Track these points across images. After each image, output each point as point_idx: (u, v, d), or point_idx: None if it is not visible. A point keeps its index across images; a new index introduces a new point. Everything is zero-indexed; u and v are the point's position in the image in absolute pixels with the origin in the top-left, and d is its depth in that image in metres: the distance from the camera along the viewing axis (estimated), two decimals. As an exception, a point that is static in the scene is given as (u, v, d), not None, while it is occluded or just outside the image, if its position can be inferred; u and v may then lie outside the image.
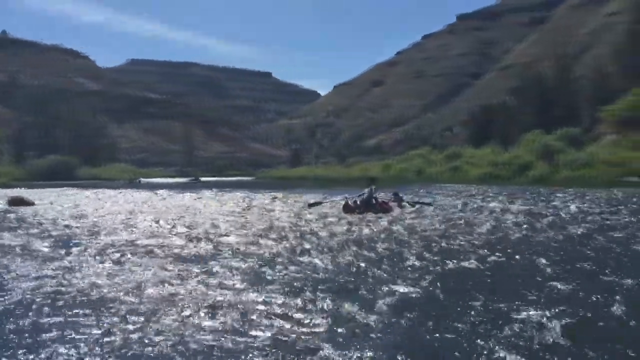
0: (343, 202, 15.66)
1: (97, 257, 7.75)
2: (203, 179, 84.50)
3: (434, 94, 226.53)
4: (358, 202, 15.22)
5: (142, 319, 4.76)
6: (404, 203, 16.80)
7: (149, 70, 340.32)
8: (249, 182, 65.62)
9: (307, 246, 8.59)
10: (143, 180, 74.28)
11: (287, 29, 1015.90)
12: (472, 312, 4.96)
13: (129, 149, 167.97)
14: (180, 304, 5.21)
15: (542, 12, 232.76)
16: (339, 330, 4.48)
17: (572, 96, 66.54)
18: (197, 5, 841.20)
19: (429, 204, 17.42)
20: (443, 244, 8.95)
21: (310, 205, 16.47)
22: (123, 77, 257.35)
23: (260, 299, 5.36)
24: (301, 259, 7.53)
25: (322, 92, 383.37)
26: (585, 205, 17.58)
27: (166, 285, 5.96)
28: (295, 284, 6.04)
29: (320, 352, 3.99)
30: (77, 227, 11.93)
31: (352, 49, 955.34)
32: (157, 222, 13.06)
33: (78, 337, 4.32)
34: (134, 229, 11.52)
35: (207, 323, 4.65)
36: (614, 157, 38.88)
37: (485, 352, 3.98)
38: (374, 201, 15.09)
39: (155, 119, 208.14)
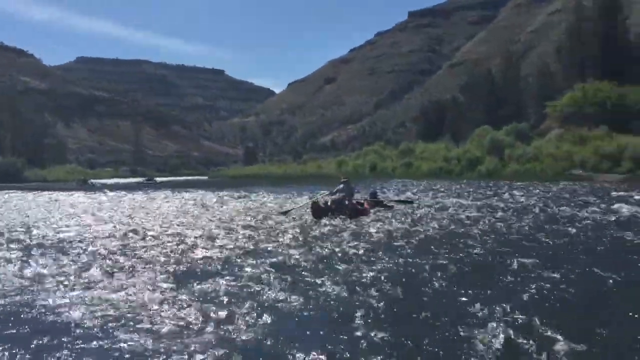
0: (311, 202, 13.54)
1: (66, 271, 7.59)
2: (157, 179, 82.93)
3: (386, 91, 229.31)
4: (329, 203, 13.40)
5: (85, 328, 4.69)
6: (384, 203, 15.10)
7: (97, 68, 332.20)
8: (204, 182, 64.84)
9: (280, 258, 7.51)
10: (94, 181, 72.40)
11: (241, 26, 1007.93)
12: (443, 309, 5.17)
13: (77, 149, 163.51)
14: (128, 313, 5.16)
15: (491, 10, 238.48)
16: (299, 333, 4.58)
17: (519, 93, 68.57)
18: (147, 2, 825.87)
19: (410, 202, 15.92)
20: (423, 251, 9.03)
21: (282, 214, 13.91)
22: (71, 75, 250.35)
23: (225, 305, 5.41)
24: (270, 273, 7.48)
25: (277, 90, 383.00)
26: (534, 198, 18.28)
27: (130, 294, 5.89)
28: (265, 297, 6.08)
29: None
30: (31, 236, 11.55)
31: (306, 46, 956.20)
32: (133, 230, 12.80)
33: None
34: (88, 239, 11.30)
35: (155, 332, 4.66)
36: (559, 151, 40.30)
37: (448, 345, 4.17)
38: (346, 202, 13.27)
39: (105, 117, 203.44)
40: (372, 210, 13.65)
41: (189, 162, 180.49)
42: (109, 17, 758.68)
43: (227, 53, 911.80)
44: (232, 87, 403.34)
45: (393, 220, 11.96)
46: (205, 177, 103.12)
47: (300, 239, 9.51)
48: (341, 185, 14.02)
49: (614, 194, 19.19)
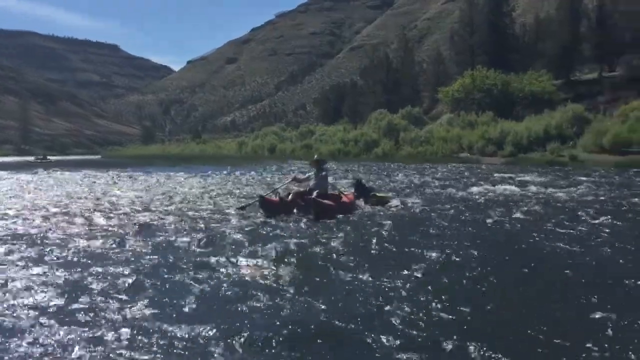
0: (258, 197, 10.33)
1: None
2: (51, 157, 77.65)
3: (287, 72, 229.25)
4: (290, 197, 10.20)
5: None
6: (377, 196, 11.40)
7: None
8: (100, 161, 61.64)
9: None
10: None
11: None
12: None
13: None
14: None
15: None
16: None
17: (414, 77, 71.23)
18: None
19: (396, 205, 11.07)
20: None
21: (241, 209, 10.35)
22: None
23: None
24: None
25: (175, 68, 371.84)
26: (425, 178, 19.22)
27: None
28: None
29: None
30: None
31: (205, 23, 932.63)
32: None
33: None
34: None
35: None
36: (449, 134, 42.33)
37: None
38: (314, 194, 9.88)
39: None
40: (359, 206, 10.67)
41: (81, 141, 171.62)
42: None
43: (121, 27, 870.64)
44: (128, 63, 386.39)
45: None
46: (98, 156, 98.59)
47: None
48: (312, 172, 10.92)
49: (496, 175, 20.55)
